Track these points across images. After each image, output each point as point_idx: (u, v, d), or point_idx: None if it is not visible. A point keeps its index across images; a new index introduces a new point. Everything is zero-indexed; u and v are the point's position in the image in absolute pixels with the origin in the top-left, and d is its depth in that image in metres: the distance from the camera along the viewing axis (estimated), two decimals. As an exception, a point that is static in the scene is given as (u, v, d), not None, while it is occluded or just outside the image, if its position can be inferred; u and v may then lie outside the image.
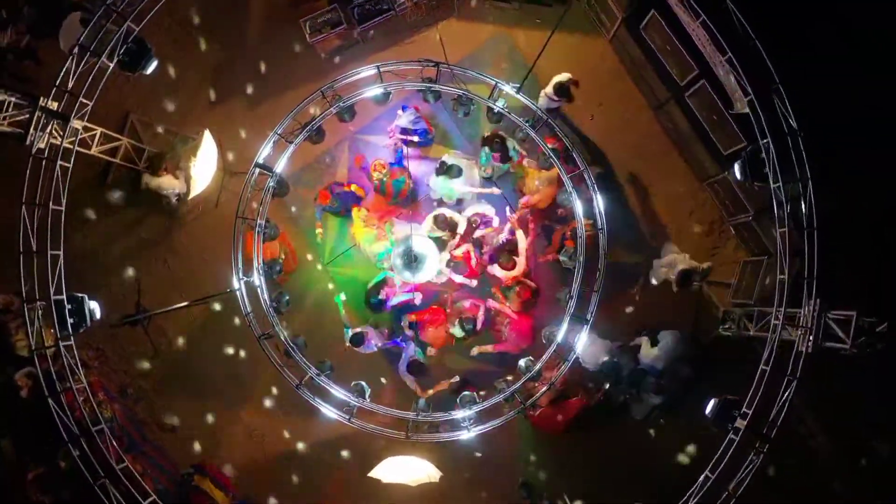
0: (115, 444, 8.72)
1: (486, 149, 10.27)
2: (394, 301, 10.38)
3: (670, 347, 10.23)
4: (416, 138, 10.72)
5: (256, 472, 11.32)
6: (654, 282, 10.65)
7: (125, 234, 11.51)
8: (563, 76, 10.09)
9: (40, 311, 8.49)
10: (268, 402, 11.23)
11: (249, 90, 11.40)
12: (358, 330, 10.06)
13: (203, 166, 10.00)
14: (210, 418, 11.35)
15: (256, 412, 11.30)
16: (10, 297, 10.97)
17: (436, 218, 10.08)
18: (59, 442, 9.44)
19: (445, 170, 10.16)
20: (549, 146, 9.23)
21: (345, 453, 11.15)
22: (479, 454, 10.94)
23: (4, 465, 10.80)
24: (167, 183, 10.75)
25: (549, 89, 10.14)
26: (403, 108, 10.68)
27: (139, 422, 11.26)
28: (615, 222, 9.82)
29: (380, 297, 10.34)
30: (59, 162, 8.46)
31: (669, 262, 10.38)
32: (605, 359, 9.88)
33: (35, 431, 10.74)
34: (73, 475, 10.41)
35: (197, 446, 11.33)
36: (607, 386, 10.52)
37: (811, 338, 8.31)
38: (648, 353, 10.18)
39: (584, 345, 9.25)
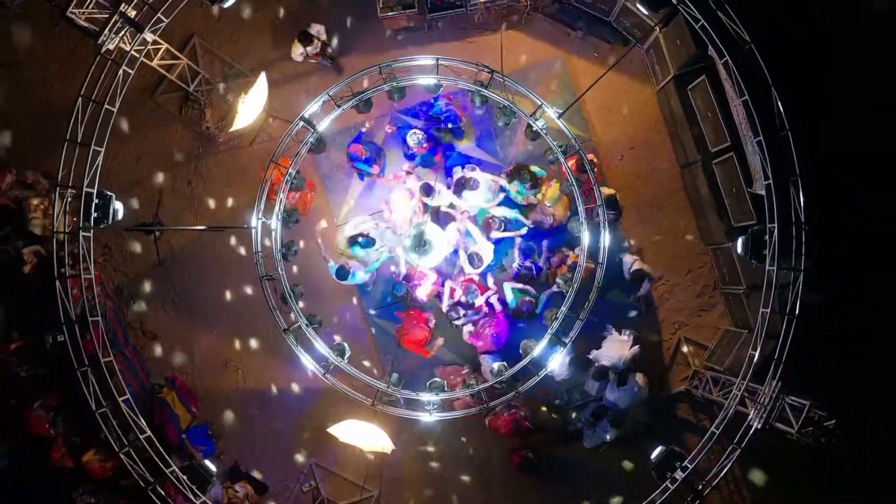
0: (105, 337, 9.17)
1: (517, 181, 10.42)
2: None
3: (635, 391, 10.70)
4: (449, 125, 10.95)
5: (222, 402, 11.73)
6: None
7: (159, 148, 11.92)
8: (647, 269, 10.67)
9: (69, 199, 8.98)
10: (252, 339, 11.66)
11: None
12: (340, 263, 10.19)
13: (251, 105, 10.41)
14: (193, 338, 11.78)
15: (239, 345, 11.71)
16: (37, 175, 11.49)
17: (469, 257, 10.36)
18: (52, 322, 10.04)
19: (463, 184, 10.36)
20: (574, 175, 9.66)
21: (310, 405, 11.55)
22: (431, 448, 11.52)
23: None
24: (298, 48, 11.01)
25: (634, 265, 10.67)
26: (436, 99, 10.87)
27: (126, 324, 11.64)
28: (613, 261, 10.24)
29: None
30: (123, 67, 8.92)
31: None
32: (570, 356, 10.25)
33: (27, 307, 11.25)
34: (52, 356, 11.03)
35: (174, 360, 11.77)
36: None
37: (764, 415, 8.83)
38: (613, 391, 10.64)
39: (559, 364, 9.77)
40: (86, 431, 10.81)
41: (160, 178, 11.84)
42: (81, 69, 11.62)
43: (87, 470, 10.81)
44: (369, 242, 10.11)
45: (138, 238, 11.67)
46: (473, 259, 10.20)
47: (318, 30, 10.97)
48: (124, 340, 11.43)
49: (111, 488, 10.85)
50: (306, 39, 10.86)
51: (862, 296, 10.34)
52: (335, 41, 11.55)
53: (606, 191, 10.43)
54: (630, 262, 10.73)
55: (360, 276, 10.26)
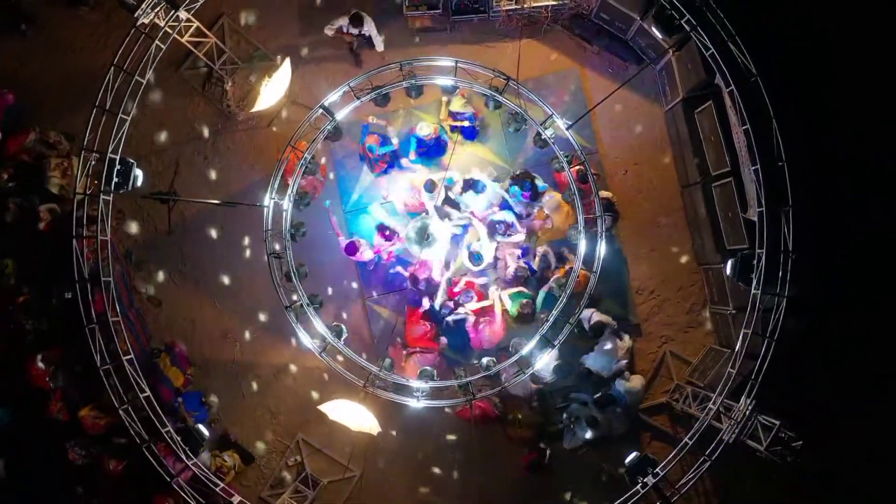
0: (114, 297, 9.52)
1: (517, 187, 10.79)
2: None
3: (637, 389, 11.16)
4: (465, 122, 11.30)
5: (218, 371, 12.02)
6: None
7: (180, 120, 12.24)
8: (605, 319, 11.00)
9: (93, 162, 9.33)
10: (252, 314, 11.94)
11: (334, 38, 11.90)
12: (352, 239, 10.67)
13: (273, 89, 10.73)
14: (196, 308, 12.07)
15: (239, 318, 11.99)
16: (60, 136, 11.81)
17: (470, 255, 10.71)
18: (61, 279, 10.39)
19: (471, 184, 10.72)
20: (576, 185, 9.99)
21: (302, 382, 11.88)
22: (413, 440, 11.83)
23: (2, 284, 11.57)
24: (340, 22, 11.24)
25: (593, 318, 10.97)
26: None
27: (131, 288, 11.93)
28: (608, 271, 10.50)
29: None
30: (156, 41, 9.28)
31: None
32: (556, 364, 10.57)
33: (38, 262, 11.54)
34: (57, 312, 11.35)
35: (174, 327, 12.07)
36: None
37: (736, 431, 9.22)
38: (623, 383, 11.06)
39: (545, 366, 10.13)
40: (84, 387, 11.17)
41: (178, 149, 12.18)
42: (112, 37, 12.07)
43: (82, 424, 11.11)
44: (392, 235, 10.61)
45: (151, 206, 11.97)
46: (475, 257, 10.56)
47: (369, 22, 11.22)
48: (129, 303, 11.67)
49: (103, 444, 11.14)
50: (357, 21, 11.08)
51: (847, 321, 10.76)
52: (381, 42, 11.76)
53: (604, 194, 10.76)
54: (588, 314, 10.98)
55: (368, 254, 10.74)
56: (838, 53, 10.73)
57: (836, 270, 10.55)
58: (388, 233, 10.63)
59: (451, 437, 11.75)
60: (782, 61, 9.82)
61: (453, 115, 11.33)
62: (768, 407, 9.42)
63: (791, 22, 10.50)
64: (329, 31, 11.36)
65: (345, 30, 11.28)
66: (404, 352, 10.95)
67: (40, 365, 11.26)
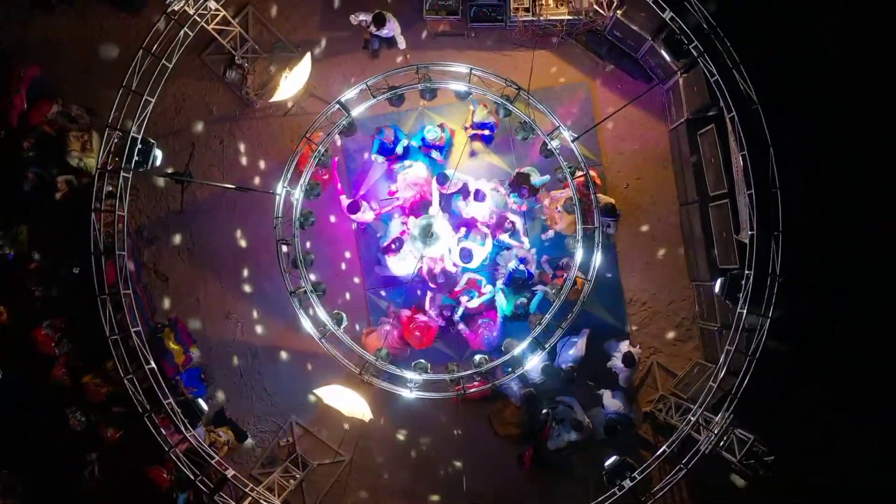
0: (127, 271, 9.87)
1: (515, 194, 11.11)
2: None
3: (624, 401, 11.44)
4: (487, 131, 11.62)
5: (218, 349, 12.35)
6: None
7: (199, 104, 12.57)
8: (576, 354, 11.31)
9: (116, 140, 9.69)
10: (256, 297, 12.30)
11: (355, 34, 12.32)
12: (355, 198, 11.00)
13: (292, 81, 11.08)
14: (201, 286, 12.39)
15: (243, 300, 12.32)
16: (81, 110, 12.15)
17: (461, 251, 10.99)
18: (72, 249, 10.73)
19: (473, 193, 11.01)
20: (578, 195, 10.32)
21: (299, 366, 12.20)
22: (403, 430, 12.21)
23: (16, 250, 11.91)
24: (363, 16, 11.53)
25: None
26: (474, 103, 11.47)
27: (141, 263, 12.25)
28: (602, 280, 10.89)
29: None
30: (184, 28, 9.64)
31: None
32: (544, 364, 10.80)
33: (52, 231, 11.88)
34: (67, 282, 11.68)
35: (179, 303, 12.41)
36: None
37: (713, 442, 9.59)
38: (612, 402, 11.29)
39: (534, 365, 10.48)
40: (88, 356, 11.54)
41: (195, 132, 12.51)
42: (138, 18, 12.38)
43: (84, 391, 11.48)
44: (400, 244, 11.02)
45: (166, 185, 12.31)
46: (465, 254, 10.88)
47: (392, 21, 11.48)
48: (137, 278, 11.94)
49: (102, 412, 11.50)
50: (379, 21, 11.32)
51: (843, 337, 11.04)
52: (403, 41, 12.08)
53: (604, 198, 11.12)
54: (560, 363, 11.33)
55: (369, 215, 11.16)
56: (841, 82, 11.00)
57: (832, 288, 10.86)
58: (393, 246, 10.97)
59: (442, 427, 12.08)
60: (784, 90, 10.15)
61: (475, 126, 11.60)
62: (753, 423, 9.79)
63: (796, 51, 10.80)
64: (353, 20, 11.67)
65: (366, 24, 11.59)
66: (365, 330, 11.35)
67: (47, 331, 11.58)
